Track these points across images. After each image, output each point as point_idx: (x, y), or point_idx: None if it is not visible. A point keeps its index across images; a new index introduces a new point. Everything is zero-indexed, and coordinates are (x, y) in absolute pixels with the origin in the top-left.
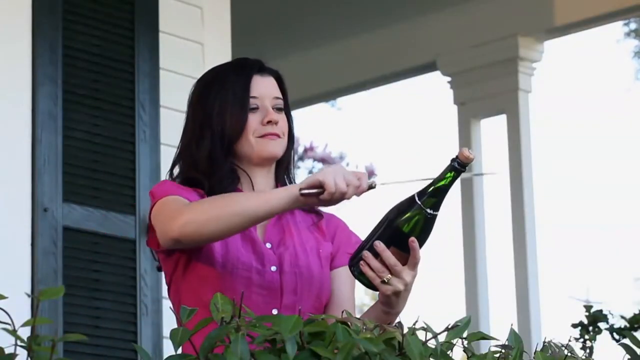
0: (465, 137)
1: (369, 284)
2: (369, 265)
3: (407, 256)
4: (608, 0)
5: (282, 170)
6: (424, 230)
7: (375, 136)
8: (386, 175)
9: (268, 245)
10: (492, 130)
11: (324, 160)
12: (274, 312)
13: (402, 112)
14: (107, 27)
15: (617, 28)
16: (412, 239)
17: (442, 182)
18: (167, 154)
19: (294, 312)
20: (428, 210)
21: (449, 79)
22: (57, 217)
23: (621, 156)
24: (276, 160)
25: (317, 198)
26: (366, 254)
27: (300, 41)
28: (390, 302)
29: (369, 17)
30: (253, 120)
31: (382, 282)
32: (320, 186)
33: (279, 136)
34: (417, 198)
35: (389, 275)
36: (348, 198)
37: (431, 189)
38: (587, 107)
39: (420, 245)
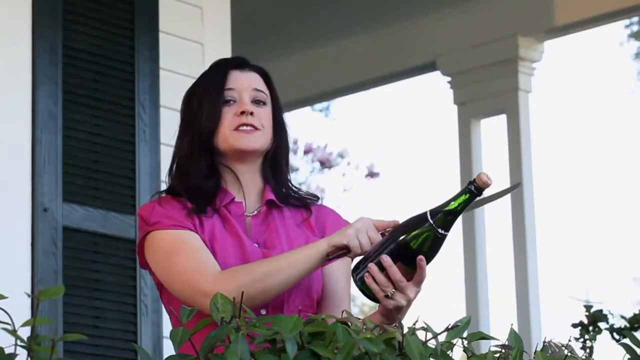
0: (465, 137)
1: (371, 296)
2: (373, 278)
3: (412, 272)
4: (608, 0)
5: (269, 166)
6: (432, 248)
7: (375, 136)
8: (386, 175)
9: (256, 245)
10: (492, 130)
11: (323, 162)
12: (262, 312)
13: (402, 112)
14: (107, 27)
15: (619, 29)
16: (421, 257)
17: (456, 204)
18: (167, 154)
19: (282, 312)
20: (439, 230)
21: (449, 79)
22: (57, 217)
23: (621, 157)
24: (262, 155)
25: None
26: (372, 267)
27: (300, 41)
28: (391, 316)
29: (369, 17)
30: (228, 113)
31: (386, 297)
32: (345, 247)
33: (255, 128)
34: (429, 216)
35: (393, 290)
36: None
37: (444, 209)
38: (588, 107)
39: (427, 263)
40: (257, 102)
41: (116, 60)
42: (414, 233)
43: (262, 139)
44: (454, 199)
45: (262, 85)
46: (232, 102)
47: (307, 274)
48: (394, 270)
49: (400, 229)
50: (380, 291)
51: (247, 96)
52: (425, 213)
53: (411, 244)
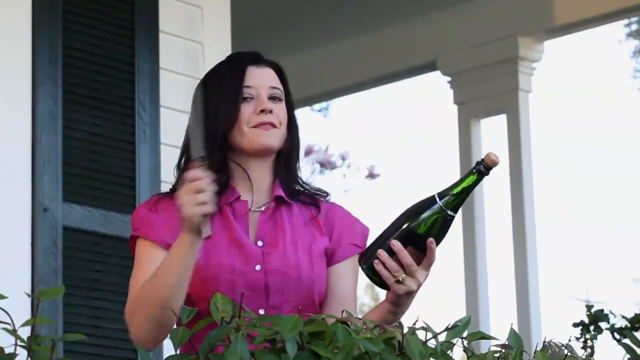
0: (465, 137)
1: (381, 284)
2: (384, 264)
3: (421, 256)
4: (608, 0)
5: (281, 162)
6: (441, 231)
7: (375, 136)
8: (386, 175)
9: (259, 243)
10: (492, 130)
11: (323, 163)
12: (261, 312)
13: (402, 112)
14: (107, 27)
15: (618, 28)
16: (431, 239)
17: (465, 184)
18: (167, 154)
19: (281, 312)
20: (448, 212)
21: (449, 78)
22: (57, 217)
23: (622, 157)
24: (275, 152)
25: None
26: (381, 253)
27: (300, 41)
28: (400, 302)
29: (369, 17)
30: (246, 110)
31: (397, 282)
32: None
33: (274, 126)
34: (437, 199)
35: (404, 275)
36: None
37: (453, 190)
38: (587, 106)
39: (436, 246)
40: (273, 98)
41: (116, 60)
42: (423, 216)
43: (279, 137)
44: (463, 179)
45: (277, 82)
46: (249, 99)
47: (186, 269)
48: (405, 255)
49: (407, 213)
50: (390, 277)
51: (265, 94)
52: (433, 196)
53: (420, 227)
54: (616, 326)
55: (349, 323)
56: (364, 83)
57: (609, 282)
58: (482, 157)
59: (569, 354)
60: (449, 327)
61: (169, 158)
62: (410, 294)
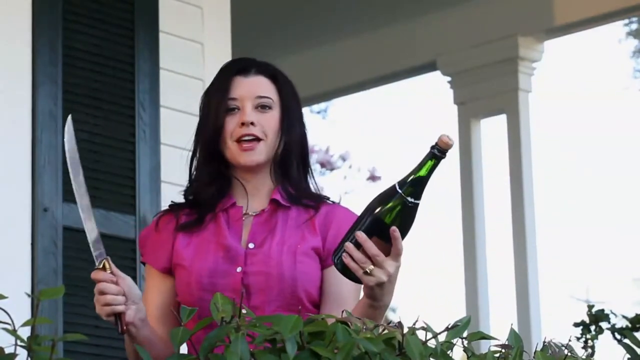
0: (465, 137)
1: (352, 277)
2: (351, 256)
3: (389, 247)
4: (608, 0)
5: (278, 167)
6: (405, 219)
7: (375, 137)
8: (385, 175)
9: (251, 245)
10: (492, 130)
11: (324, 164)
12: (243, 312)
13: (402, 112)
14: (107, 27)
15: (618, 28)
16: (394, 228)
17: (423, 170)
18: (167, 154)
19: (263, 312)
20: (409, 199)
21: (449, 78)
22: (57, 217)
23: (622, 157)
24: (270, 160)
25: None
26: (348, 245)
27: (300, 41)
28: (375, 295)
29: (369, 17)
30: (230, 122)
31: (365, 274)
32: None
33: (258, 138)
34: (397, 187)
35: (372, 266)
36: None
37: (412, 177)
38: (587, 106)
39: (403, 235)
40: (263, 107)
41: (116, 60)
42: (385, 207)
43: (264, 151)
44: (420, 166)
45: (267, 89)
46: (236, 110)
47: (134, 354)
48: (369, 245)
49: (371, 204)
50: (359, 269)
51: (250, 104)
52: (394, 185)
53: (384, 218)
54: (617, 326)
55: (349, 323)
56: (364, 83)
57: (609, 282)
58: (436, 141)
59: (569, 354)
60: (449, 327)
61: (169, 158)
62: (381, 286)
